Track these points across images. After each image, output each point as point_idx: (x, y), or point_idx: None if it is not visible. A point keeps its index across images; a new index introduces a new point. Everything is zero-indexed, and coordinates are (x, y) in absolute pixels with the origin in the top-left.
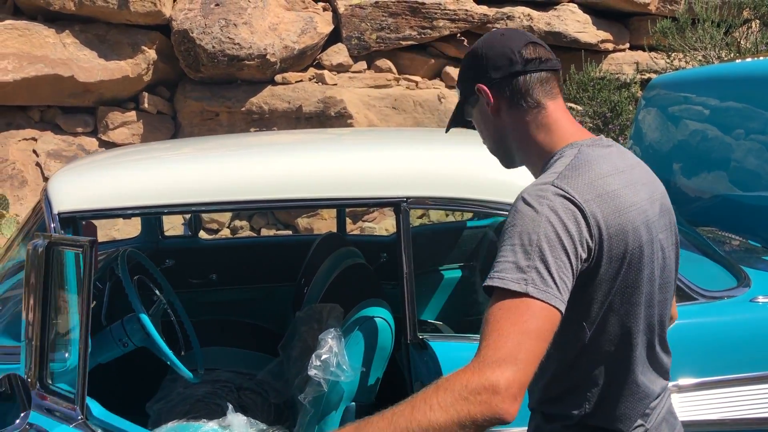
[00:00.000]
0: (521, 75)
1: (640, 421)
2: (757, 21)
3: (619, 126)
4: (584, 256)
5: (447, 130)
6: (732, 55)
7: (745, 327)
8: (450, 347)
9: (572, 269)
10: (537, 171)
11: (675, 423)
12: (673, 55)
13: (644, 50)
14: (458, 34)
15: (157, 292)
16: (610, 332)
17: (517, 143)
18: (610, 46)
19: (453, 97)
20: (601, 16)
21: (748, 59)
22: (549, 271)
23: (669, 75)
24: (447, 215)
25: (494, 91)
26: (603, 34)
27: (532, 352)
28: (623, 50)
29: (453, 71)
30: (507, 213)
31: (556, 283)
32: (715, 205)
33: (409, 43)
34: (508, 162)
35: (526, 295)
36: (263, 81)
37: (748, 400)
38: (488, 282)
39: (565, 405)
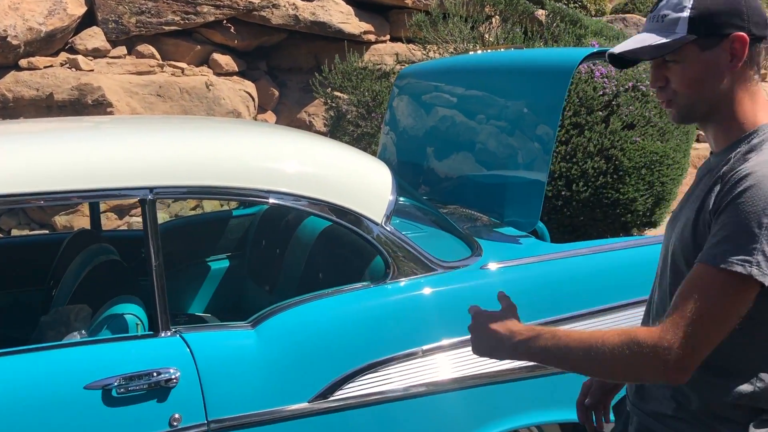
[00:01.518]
0: (764, 41)
1: None
2: (498, 17)
3: (381, 114)
4: None
5: (622, 63)
6: (477, 47)
7: (475, 292)
8: (204, 338)
9: None
10: (728, 140)
11: None
12: (428, 47)
13: (403, 42)
14: (224, 21)
15: None
16: None
17: (730, 107)
18: (372, 37)
19: (222, 85)
20: (363, 8)
21: (479, 51)
22: None
23: (417, 65)
24: (222, 205)
25: (748, 46)
26: (365, 26)
27: None
28: (384, 42)
29: (221, 58)
30: (262, 200)
31: None
32: (462, 185)
33: (173, 28)
34: (692, 117)
35: None
36: (5, 66)
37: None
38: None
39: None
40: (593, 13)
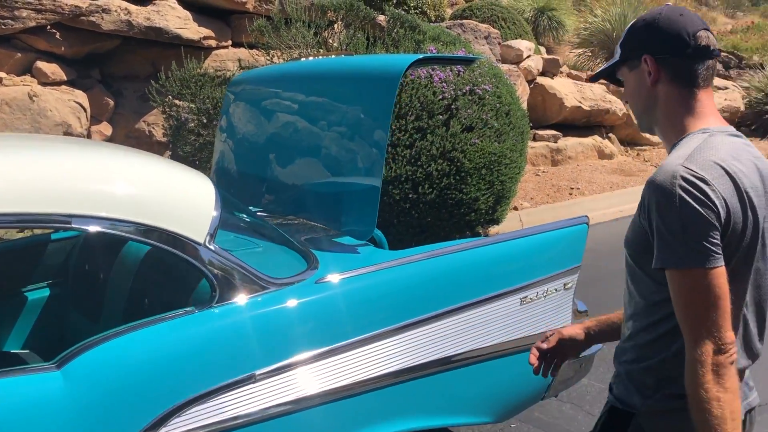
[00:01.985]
0: (690, 59)
1: None
2: (340, 22)
3: None
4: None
5: (594, 80)
6: (321, 52)
7: (311, 308)
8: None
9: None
10: (669, 144)
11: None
12: (272, 52)
13: (245, 47)
14: (49, 27)
15: None
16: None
17: (663, 116)
18: (213, 42)
19: (48, 95)
20: (203, 12)
21: (311, 58)
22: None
23: (251, 71)
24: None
25: (660, 65)
26: (205, 31)
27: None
28: (226, 47)
29: (46, 66)
30: (63, 225)
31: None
32: (301, 194)
33: None
34: (647, 128)
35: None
36: None
37: (321, 373)
38: None
39: None
40: (433, 19)
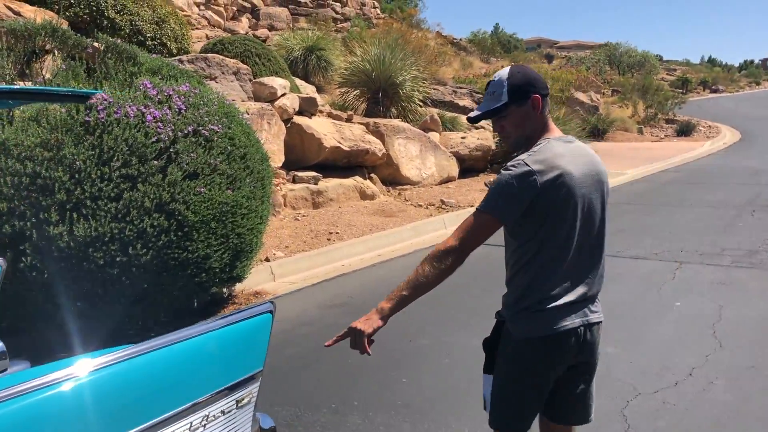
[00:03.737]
0: (546, 96)
1: None
2: (58, 51)
3: None
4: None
5: (477, 121)
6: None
7: None
8: None
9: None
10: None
11: None
12: None
13: None
14: None
15: None
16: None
17: (531, 134)
18: None
19: None
20: None
21: None
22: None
23: None
24: None
25: (542, 100)
26: None
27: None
28: None
29: None
30: None
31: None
32: None
33: None
34: (518, 146)
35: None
36: None
37: None
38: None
39: None
40: (175, 52)
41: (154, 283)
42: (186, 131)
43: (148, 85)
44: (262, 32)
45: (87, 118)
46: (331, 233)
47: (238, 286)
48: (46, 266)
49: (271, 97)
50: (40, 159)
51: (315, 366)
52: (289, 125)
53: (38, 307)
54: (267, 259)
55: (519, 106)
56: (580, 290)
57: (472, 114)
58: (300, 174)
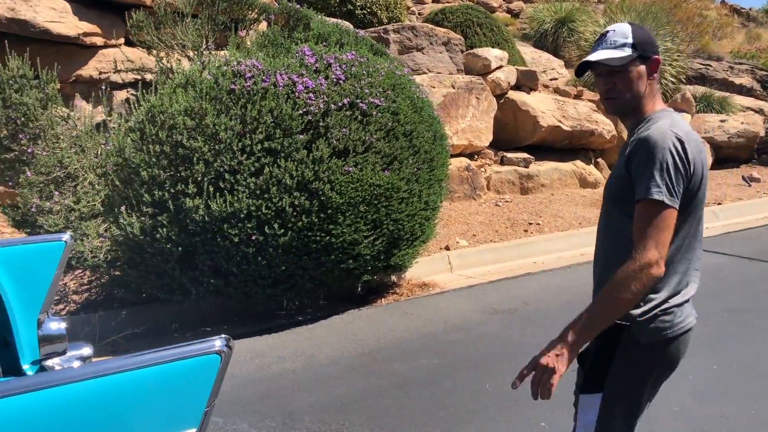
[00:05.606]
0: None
1: None
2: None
3: (31, 134)
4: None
5: (582, 73)
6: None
7: None
8: None
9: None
10: (634, 121)
11: None
12: (156, 51)
13: (141, 47)
14: None
15: None
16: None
17: (642, 99)
18: (98, 40)
19: None
20: (92, 5)
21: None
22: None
23: None
24: None
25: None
26: (87, 26)
27: None
28: (116, 46)
29: None
30: None
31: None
32: None
33: None
34: (625, 110)
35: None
36: None
37: None
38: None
39: None
40: (385, 21)
41: (294, 265)
42: (341, 104)
43: (307, 53)
44: (516, 5)
45: (233, 86)
46: (530, 224)
47: (409, 274)
48: (181, 239)
49: (485, 70)
50: (182, 128)
51: (442, 384)
52: (501, 101)
53: (176, 280)
54: (447, 248)
55: (641, 64)
56: (694, 285)
57: (592, 56)
58: (509, 155)
